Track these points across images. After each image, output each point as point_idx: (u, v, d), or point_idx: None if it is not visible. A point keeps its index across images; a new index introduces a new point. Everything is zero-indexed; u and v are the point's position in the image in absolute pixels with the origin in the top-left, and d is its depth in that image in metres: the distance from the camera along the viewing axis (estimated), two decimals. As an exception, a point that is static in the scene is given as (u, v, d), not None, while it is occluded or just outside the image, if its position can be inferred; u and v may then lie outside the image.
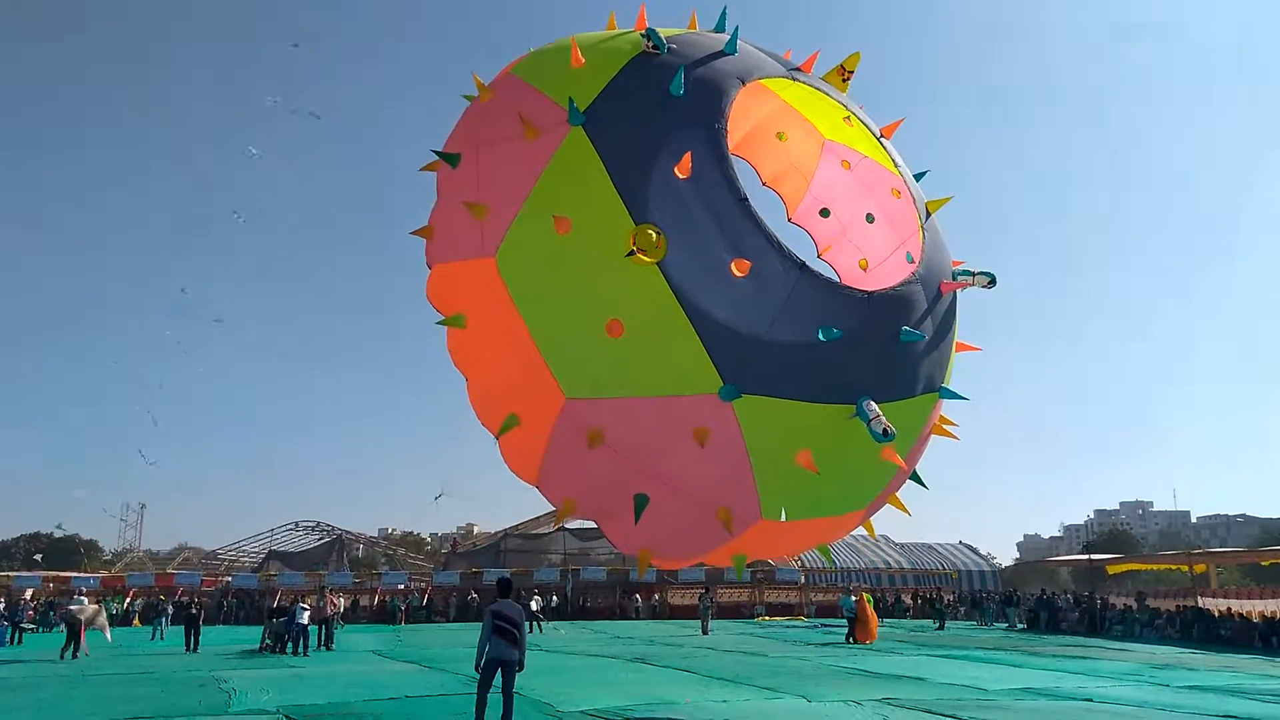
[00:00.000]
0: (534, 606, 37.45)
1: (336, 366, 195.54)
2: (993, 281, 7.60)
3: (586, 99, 6.78)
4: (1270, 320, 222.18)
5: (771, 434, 6.51)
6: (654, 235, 6.15)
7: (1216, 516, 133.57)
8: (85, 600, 24.56)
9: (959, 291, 7.74)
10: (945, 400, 7.74)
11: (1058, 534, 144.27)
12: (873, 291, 6.84)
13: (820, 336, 6.35)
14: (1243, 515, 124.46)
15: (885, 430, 6.28)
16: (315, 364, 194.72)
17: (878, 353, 6.82)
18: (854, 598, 29.12)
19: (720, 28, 7.86)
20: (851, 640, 26.68)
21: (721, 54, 7.38)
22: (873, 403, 6.46)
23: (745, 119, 7.73)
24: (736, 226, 6.40)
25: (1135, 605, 34.43)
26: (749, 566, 50.50)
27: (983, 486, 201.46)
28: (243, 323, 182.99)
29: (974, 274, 7.63)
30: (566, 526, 53.65)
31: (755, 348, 6.33)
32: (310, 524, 56.16)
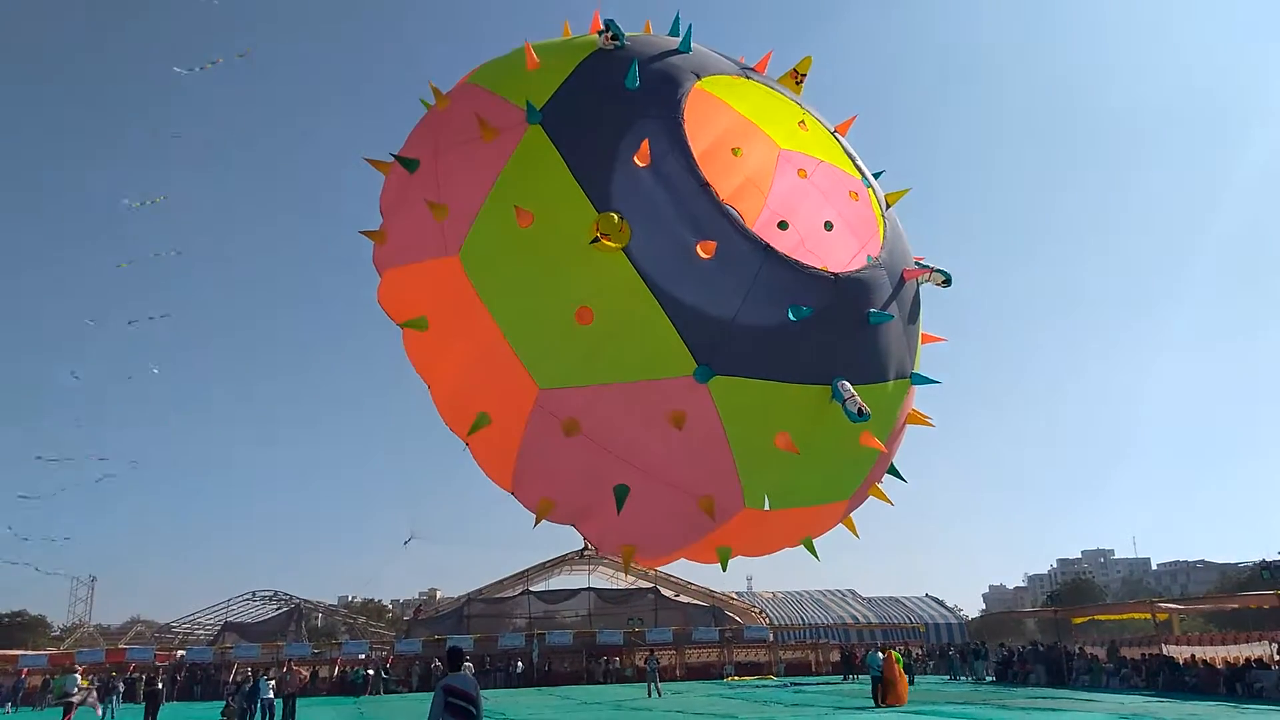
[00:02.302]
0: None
1: (291, 429, 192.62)
2: (948, 281, 7.70)
3: (543, 98, 6.90)
4: (1222, 366, 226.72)
5: (748, 415, 6.51)
6: (617, 219, 6.18)
7: (1176, 563, 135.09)
8: (79, 678, 27.07)
9: (920, 287, 7.84)
10: (919, 388, 7.78)
11: (1022, 584, 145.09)
12: (839, 273, 6.92)
13: (791, 315, 6.39)
14: (1202, 561, 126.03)
15: (860, 410, 6.29)
16: (270, 429, 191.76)
17: (848, 334, 6.88)
18: (881, 655, 27.32)
19: (675, 33, 7.97)
20: (881, 703, 25.20)
21: (676, 51, 7.56)
22: (847, 383, 6.50)
23: (702, 133, 7.61)
24: (699, 210, 6.47)
25: (1106, 655, 34.61)
26: (719, 627, 50.18)
27: (946, 538, 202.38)
28: (195, 389, 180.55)
29: (931, 269, 7.72)
30: (531, 590, 53.16)
31: (727, 328, 6.36)
32: (268, 593, 55.00)
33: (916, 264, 7.82)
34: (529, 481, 7.03)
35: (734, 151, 9.01)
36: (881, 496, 7.75)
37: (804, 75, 8.42)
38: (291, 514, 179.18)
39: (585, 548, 52.53)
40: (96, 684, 29.13)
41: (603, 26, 7.42)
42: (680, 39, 7.68)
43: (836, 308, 6.72)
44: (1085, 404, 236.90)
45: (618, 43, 7.33)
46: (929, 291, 7.96)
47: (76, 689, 25.80)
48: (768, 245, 6.56)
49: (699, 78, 7.41)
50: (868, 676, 42.30)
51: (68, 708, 24.23)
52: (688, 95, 7.16)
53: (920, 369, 7.77)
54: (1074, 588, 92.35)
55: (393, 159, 7.62)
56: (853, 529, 7.89)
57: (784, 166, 9.09)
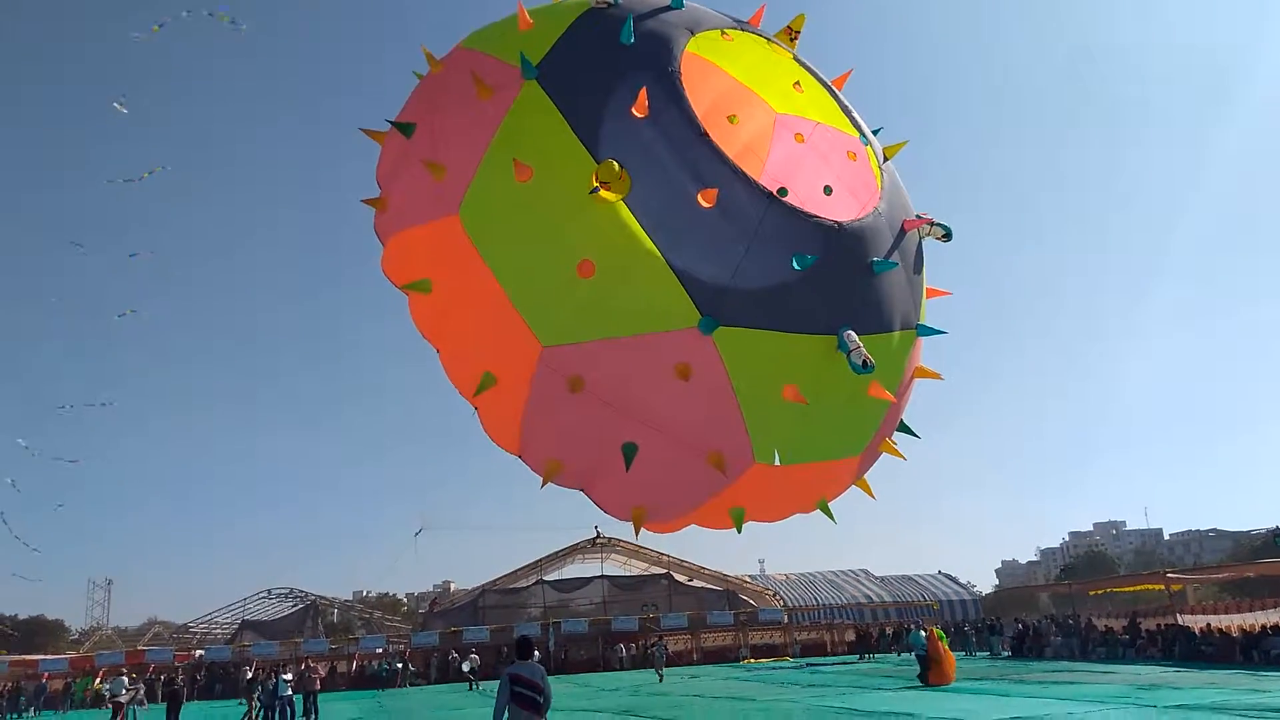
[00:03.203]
0: (465, 669, 37.72)
1: (301, 426, 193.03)
2: (948, 235, 7.68)
3: (538, 55, 6.85)
4: (1233, 332, 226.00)
5: (755, 366, 6.44)
6: (616, 168, 6.13)
7: (1189, 532, 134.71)
8: (126, 681, 27.95)
9: (921, 240, 7.78)
10: (924, 339, 7.73)
11: (1035, 558, 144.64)
12: (842, 222, 6.86)
13: (795, 265, 6.32)
14: (1214, 530, 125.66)
15: (865, 361, 6.24)
16: (279, 426, 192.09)
17: (853, 282, 6.82)
18: (924, 633, 26.18)
19: None
20: (924, 682, 24.17)
21: (669, 8, 7.51)
22: (852, 333, 6.44)
23: (697, 100, 7.21)
24: (699, 159, 6.42)
25: (1124, 627, 34.50)
26: (734, 610, 50.19)
27: (957, 514, 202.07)
28: (201, 388, 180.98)
29: (932, 223, 7.68)
30: (545, 579, 53.22)
31: (730, 278, 6.29)
32: (283, 590, 55.22)
33: (917, 217, 7.76)
34: (536, 442, 6.98)
35: (730, 119, 8.85)
36: (893, 451, 7.67)
37: (798, 32, 8.38)
38: (305, 510, 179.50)
39: (598, 536, 52.76)
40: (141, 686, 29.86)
41: None
42: None
43: (840, 256, 6.66)
44: (1093, 374, 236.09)
45: (610, 3, 7.30)
46: (935, 249, 7.89)
47: (124, 690, 26.22)
48: (770, 193, 6.50)
49: (693, 33, 7.36)
50: (892, 654, 42.63)
51: (117, 709, 24.58)
52: (683, 50, 7.11)
53: (925, 321, 7.69)
54: (1087, 560, 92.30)
55: (389, 125, 7.55)
56: (868, 490, 7.82)
57: (780, 131, 8.89)
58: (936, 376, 7.90)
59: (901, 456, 7.72)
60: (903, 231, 7.37)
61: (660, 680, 32.59)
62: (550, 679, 8.03)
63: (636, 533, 7.11)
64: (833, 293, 6.66)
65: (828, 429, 7.00)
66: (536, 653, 8.95)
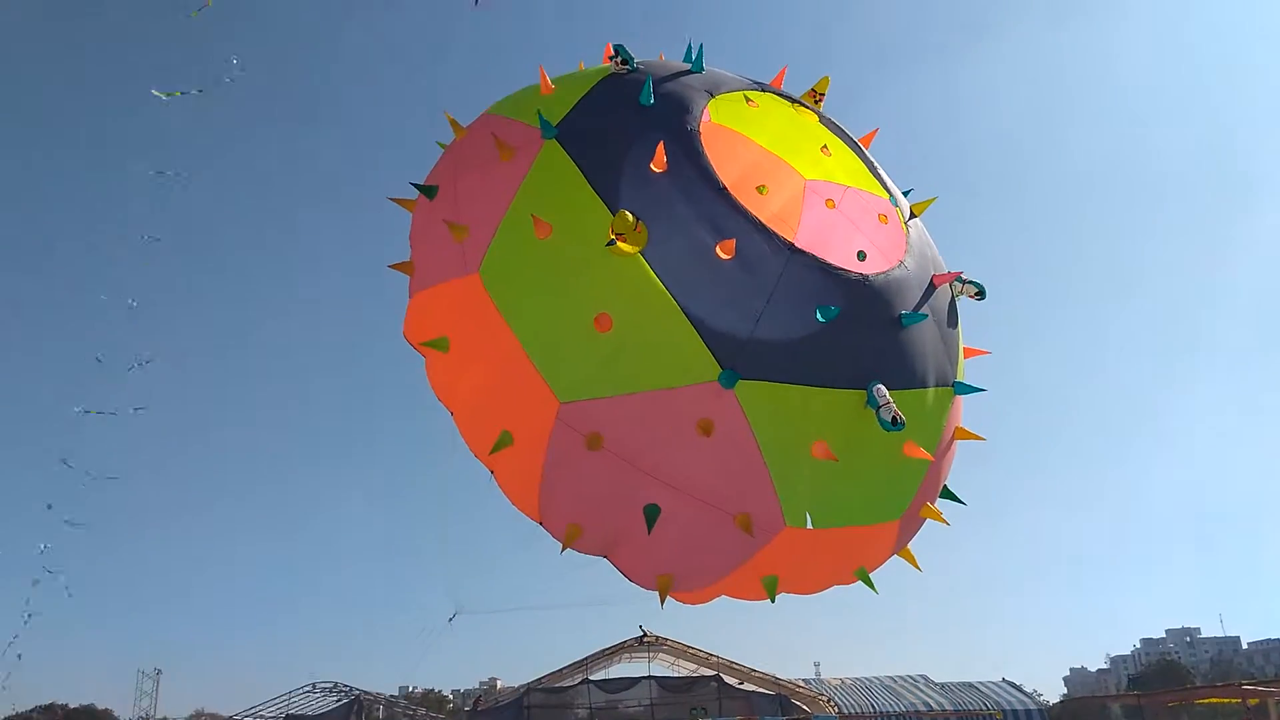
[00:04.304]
0: None
1: (352, 513, 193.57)
2: (981, 293, 7.49)
3: (558, 116, 6.89)
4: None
5: (780, 422, 6.23)
6: (631, 219, 6.05)
7: (1268, 641, 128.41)
8: None
9: (955, 298, 7.58)
10: (963, 397, 7.48)
11: (1105, 666, 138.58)
12: (868, 274, 6.70)
13: (819, 316, 6.15)
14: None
15: (895, 418, 6.01)
16: (331, 513, 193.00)
17: (880, 335, 6.61)
18: None
19: (686, 58, 7.92)
20: None
21: (688, 71, 7.54)
22: (882, 388, 6.22)
23: (725, 172, 7.02)
24: (717, 212, 6.34)
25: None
26: (786, 716, 48.52)
27: (1022, 616, 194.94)
28: (250, 475, 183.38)
29: (964, 281, 7.50)
30: (591, 679, 52.01)
31: (751, 330, 6.13)
32: (328, 684, 54.59)
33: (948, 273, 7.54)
34: (555, 505, 6.74)
35: (759, 189, 8.85)
36: (936, 516, 7.26)
37: (823, 95, 8.37)
38: (351, 601, 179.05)
39: (644, 635, 51.66)
40: None
41: (613, 52, 7.48)
42: (693, 61, 7.66)
43: (866, 309, 6.48)
44: (1165, 473, 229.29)
45: (629, 67, 7.39)
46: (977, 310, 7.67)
47: None
48: (791, 244, 6.37)
49: (712, 95, 7.36)
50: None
51: None
52: (704, 111, 7.11)
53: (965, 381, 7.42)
54: (1159, 670, 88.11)
55: (414, 188, 7.62)
56: (913, 561, 7.40)
57: (811, 198, 8.93)
58: (979, 439, 7.55)
59: (944, 522, 7.31)
60: (932, 286, 7.16)
61: None
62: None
63: (662, 602, 6.77)
64: (859, 346, 6.46)
65: (862, 489, 6.71)
66: None
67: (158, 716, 67.24)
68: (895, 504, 6.97)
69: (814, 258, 6.45)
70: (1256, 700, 37.19)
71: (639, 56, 7.63)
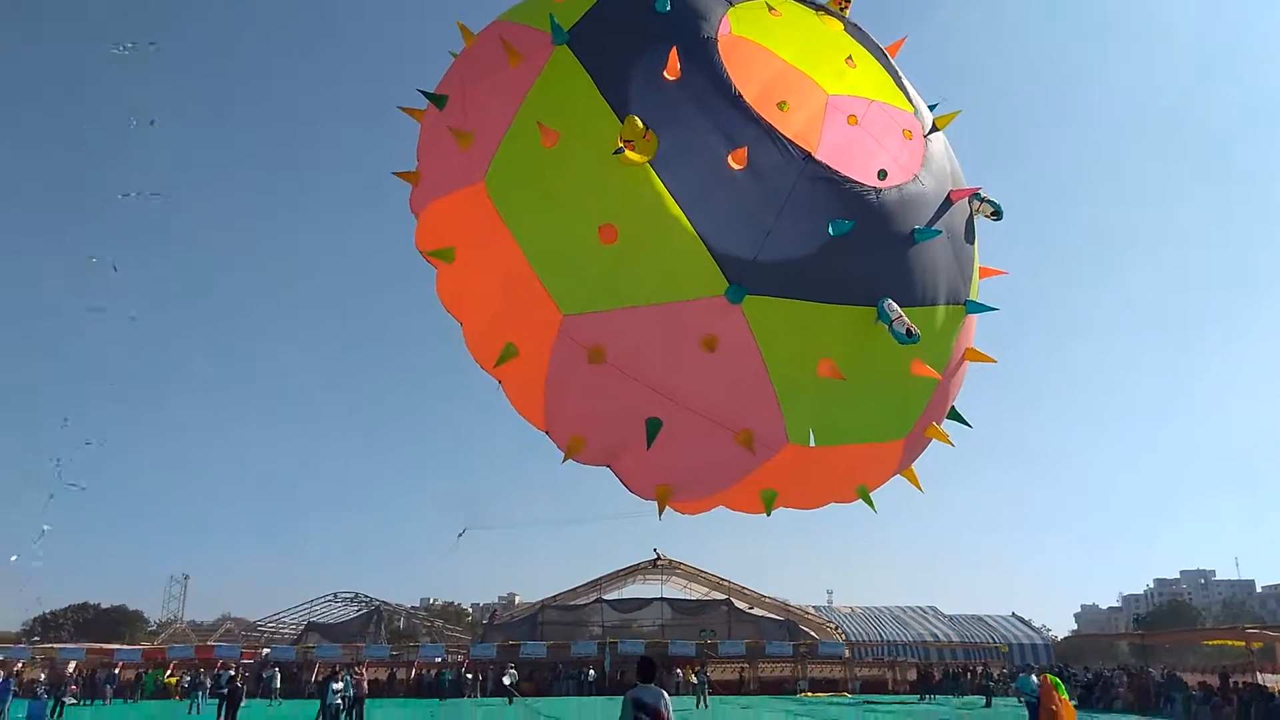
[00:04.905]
0: (506, 682, 37.84)
1: (378, 433, 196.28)
2: (998, 213, 7.27)
3: (570, 22, 6.69)
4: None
5: (787, 338, 6.11)
6: (640, 125, 5.88)
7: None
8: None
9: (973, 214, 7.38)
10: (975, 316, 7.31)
11: (1116, 604, 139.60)
12: (880, 189, 6.54)
13: (830, 231, 5.99)
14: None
15: (909, 330, 5.89)
16: (359, 432, 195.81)
17: (893, 251, 6.44)
18: (1035, 679, 21.00)
19: None
20: None
21: None
22: (894, 303, 6.08)
23: (746, 86, 6.83)
24: (730, 119, 6.16)
25: (1218, 683, 32.64)
26: (794, 642, 49.24)
27: (1038, 553, 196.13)
28: (283, 393, 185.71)
29: (981, 199, 7.27)
30: (605, 598, 52.93)
31: (761, 244, 5.98)
32: (349, 595, 56.09)
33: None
34: (559, 416, 6.73)
35: (780, 106, 8.63)
36: (941, 437, 7.17)
37: (848, 2, 8.04)
38: (379, 515, 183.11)
39: (658, 557, 52.38)
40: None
41: None
42: None
43: (878, 223, 6.30)
44: (1188, 417, 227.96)
45: None
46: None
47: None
48: (807, 154, 6.20)
49: (731, 4, 7.11)
50: (943, 695, 41.30)
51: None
52: (723, 20, 6.88)
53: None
54: (1169, 610, 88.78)
55: (423, 95, 7.43)
56: (915, 481, 7.34)
57: (833, 114, 8.44)
58: (990, 360, 7.40)
59: (950, 443, 7.23)
60: (949, 201, 6.95)
61: (702, 707, 32.55)
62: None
63: (660, 512, 6.78)
64: (871, 261, 6.30)
65: (867, 408, 6.61)
66: (658, 675, 8.51)
67: (185, 619, 69.37)
68: (900, 423, 6.89)
69: (827, 167, 6.28)
70: (1261, 644, 37.39)
71: None
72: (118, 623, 79.40)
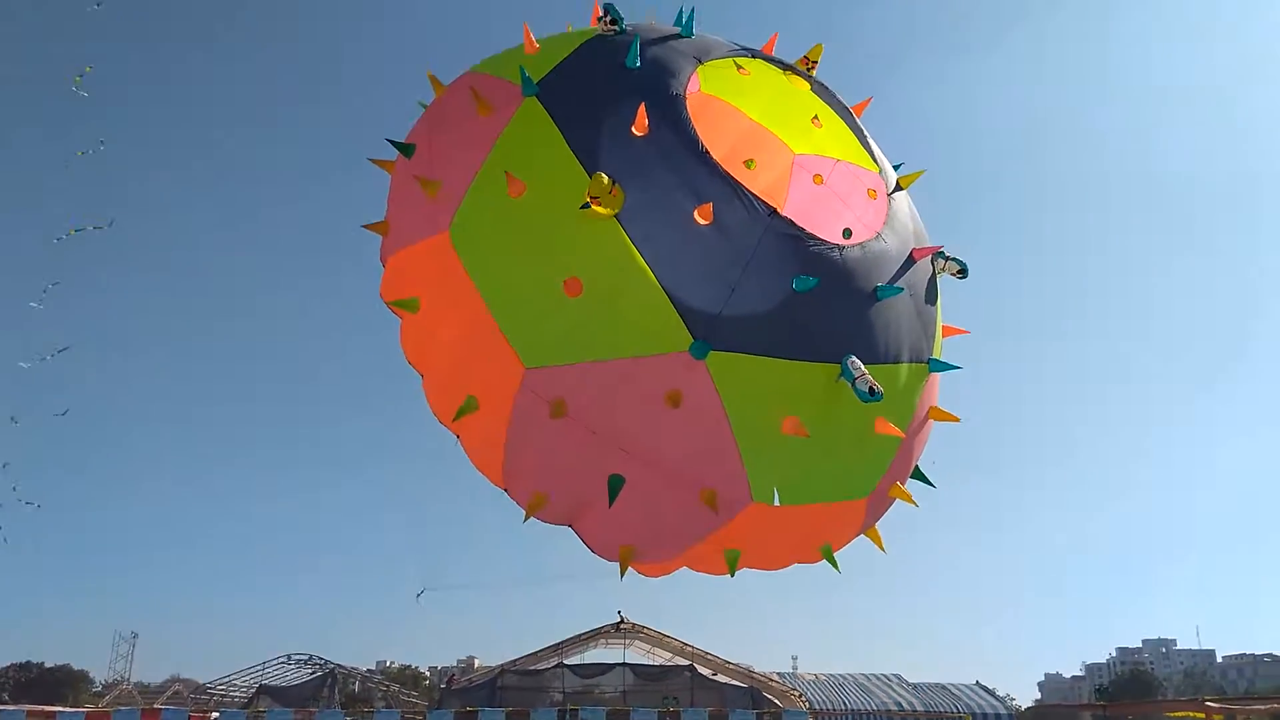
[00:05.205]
0: None
1: (335, 486, 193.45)
2: (963, 272, 7.39)
3: (540, 74, 6.72)
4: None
5: (751, 395, 6.10)
6: (607, 181, 5.88)
7: (1243, 656, 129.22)
8: None
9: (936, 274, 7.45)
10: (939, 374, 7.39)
11: (1080, 673, 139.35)
12: (843, 246, 6.60)
13: (795, 287, 6.02)
14: (1270, 655, 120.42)
15: (872, 389, 5.88)
16: (316, 486, 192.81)
17: (856, 308, 6.48)
18: None
19: (678, 23, 7.70)
20: None
21: (677, 36, 7.36)
22: (857, 360, 6.09)
23: (717, 143, 6.93)
24: (698, 176, 6.17)
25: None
26: (757, 710, 48.57)
27: (1001, 620, 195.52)
28: (241, 446, 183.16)
29: (946, 258, 7.37)
30: (566, 663, 52.03)
31: (726, 300, 5.98)
32: (303, 656, 54.52)
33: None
34: (519, 473, 6.63)
35: (747, 164, 8.71)
36: (905, 496, 7.14)
37: (815, 63, 8.12)
38: (333, 575, 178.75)
39: (621, 621, 51.66)
40: None
41: (602, 12, 7.30)
42: (683, 25, 7.46)
43: (841, 280, 6.33)
44: (1150, 485, 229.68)
45: (617, 28, 7.21)
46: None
47: None
48: (773, 210, 6.22)
49: (700, 61, 7.18)
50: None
51: None
52: (692, 78, 6.94)
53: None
54: (1131, 680, 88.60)
55: (391, 145, 7.41)
56: (878, 541, 7.31)
57: (799, 173, 8.80)
58: (954, 419, 7.44)
59: (913, 503, 7.21)
60: (911, 260, 7.01)
61: None
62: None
63: (623, 573, 6.66)
64: (834, 318, 6.33)
65: (831, 466, 6.58)
66: None
67: (133, 680, 67.21)
68: (864, 481, 6.86)
69: (792, 224, 6.31)
70: (1220, 716, 37.29)
71: (630, 20, 7.45)
72: (61, 683, 76.58)
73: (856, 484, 6.83)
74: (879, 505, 7.15)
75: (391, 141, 7.38)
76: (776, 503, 6.34)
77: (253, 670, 54.00)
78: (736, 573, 6.69)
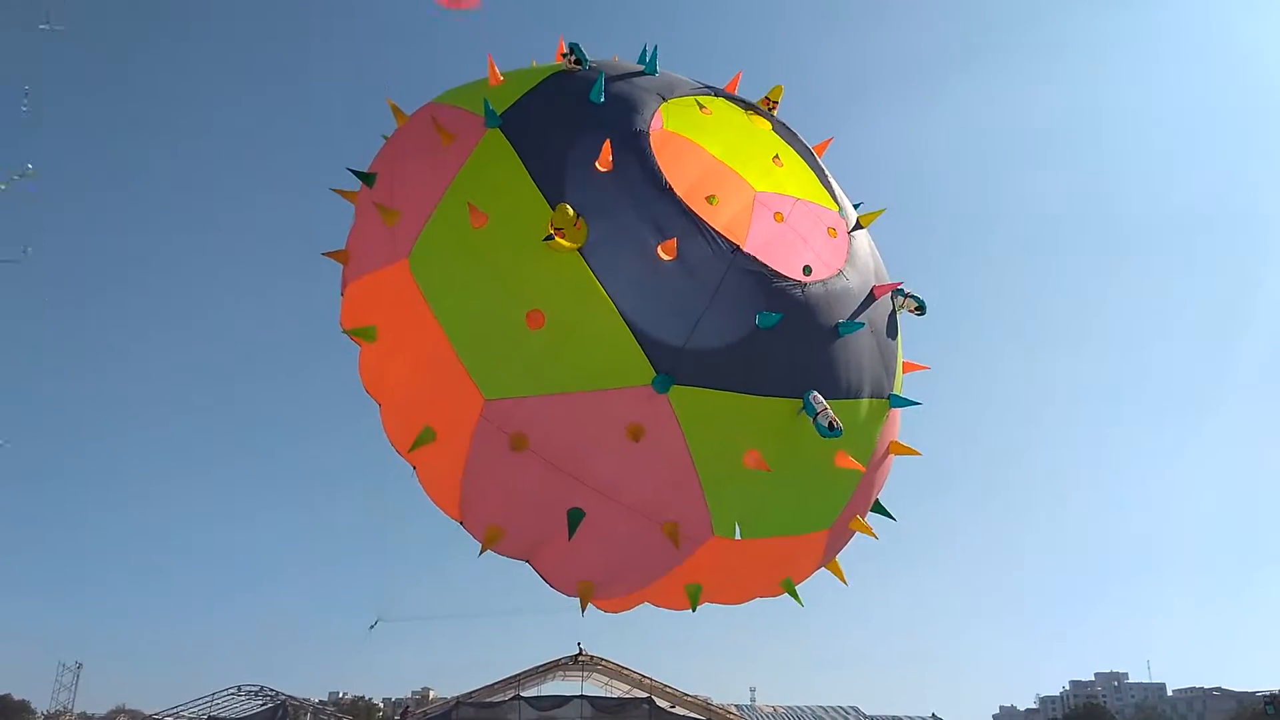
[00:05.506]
0: None
1: (288, 513, 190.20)
2: (921, 309, 7.47)
3: (504, 106, 6.71)
4: (1248, 488, 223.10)
5: (714, 430, 6.07)
6: (571, 213, 5.84)
7: (1193, 690, 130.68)
8: None
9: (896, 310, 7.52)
10: (899, 410, 7.40)
11: (1033, 705, 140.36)
12: (806, 281, 6.62)
13: (758, 323, 6.02)
14: (1219, 689, 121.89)
15: (832, 424, 5.88)
16: (268, 512, 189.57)
17: (818, 344, 6.48)
18: None
19: (641, 60, 7.77)
20: None
21: (641, 73, 7.41)
22: (820, 395, 6.08)
23: (679, 180, 6.91)
24: (661, 211, 6.17)
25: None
26: None
27: (957, 653, 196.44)
28: (194, 473, 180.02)
29: (905, 295, 7.45)
30: (523, 695, 51.41)
31: (689, 335, 5.97)
32: (254, 688, 53.40)
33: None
34: (476, 505, 6.50)
35: (709, 199, 8.76)
36: (865, 529, 7.15)
37: (776, 103, 8.20)
38: (284, 603, 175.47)
39: (580, 653, 51.21)
40: None
41: (566, 50, 7.30)
42: (647, 63, 7.53)
43: (803, 317, 6.36)
44: (1100, 519, 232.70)
45: (581, 67, 7.21)
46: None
47: None
48: (736, 247, 6.23)
49: (664, 99, 7.23)
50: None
51: None
52: (655, 115, 6.97)
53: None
54: (1084, 714, 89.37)
55: (351, 173, 7.36)
56: (839, 574, 7.30)
57: (760, 211, 8.82)
58: (914, 453, 7.46)
59: (873, 535, 7.21)
60: (871, 297, 7.06)
61: None
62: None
63: (583, 609, 6.58)
64: (796, 353, 6.34)
65: (792, 500, 6.57)
66: None
67: (76, 710, 65.52)
68: (824, 514, 6.85)
69: (756, 260, 6.33)
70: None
71: (594, 58, 7.47)
72: (1, 713, 74.67)
73: (817, 517, 6.81)
74: (840, 537, 7.14)
75: (353, 170, 7.32)
76: (738, 536, 6.31)
77: (202, 701, 52.79)
78: (698, 608, 6.64)
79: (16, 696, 78.55)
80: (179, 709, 54.25)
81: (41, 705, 75.54)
